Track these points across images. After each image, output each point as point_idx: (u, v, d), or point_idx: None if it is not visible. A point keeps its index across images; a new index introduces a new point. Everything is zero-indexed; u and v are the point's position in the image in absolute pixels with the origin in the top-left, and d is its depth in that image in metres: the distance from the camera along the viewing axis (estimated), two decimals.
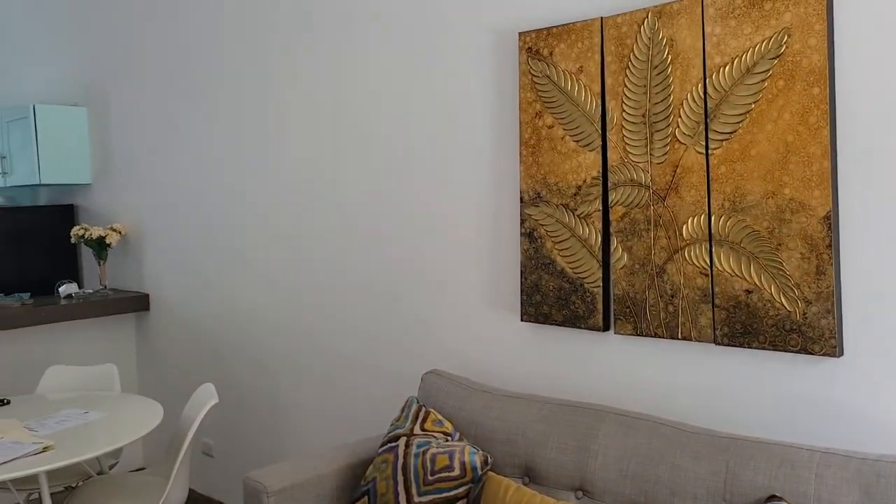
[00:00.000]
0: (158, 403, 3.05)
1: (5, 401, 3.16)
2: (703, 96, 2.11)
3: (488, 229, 2.73)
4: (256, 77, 3.56)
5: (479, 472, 2.18)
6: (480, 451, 2.23)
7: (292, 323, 3.51)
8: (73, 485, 3.10)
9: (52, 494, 3.09)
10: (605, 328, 2.38)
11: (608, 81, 2.30)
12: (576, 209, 2.39)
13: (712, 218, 2.10)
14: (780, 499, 1.77)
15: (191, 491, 4.15)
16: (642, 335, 2.26)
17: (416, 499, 2.18)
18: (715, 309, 2.11)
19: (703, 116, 2.11)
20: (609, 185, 2.32)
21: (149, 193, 4.33)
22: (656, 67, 2.19)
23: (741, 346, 2.06)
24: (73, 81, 4.84)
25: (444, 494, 2.16)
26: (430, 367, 2.95)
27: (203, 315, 4.03)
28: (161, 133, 4.19)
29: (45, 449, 2.54)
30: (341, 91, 3.19)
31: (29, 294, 4.15)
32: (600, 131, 2.33)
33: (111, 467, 3.27)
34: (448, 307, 2.87)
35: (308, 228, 3.38)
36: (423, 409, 2.45)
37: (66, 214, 4.90)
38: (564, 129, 2.41)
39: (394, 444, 2.36)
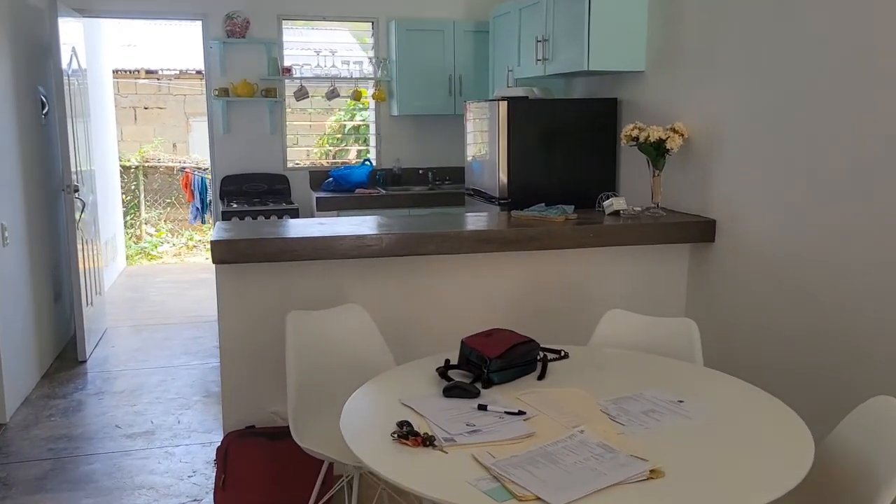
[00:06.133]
0: (800, 420, 1.89)
1: (562, 353, 2.36)
2: None
3: None
4: None
5: None
6: None
7: None
8: None
9: None
10: None
11: None
12: None
13: None
14: None
15: None
16: None
17: None
18: None
19: None
20: None
21: (728, 86, 3.15)
22: None
23: None
24: None
25: None
26: None
27: (802, 260, 2.78)
28: (765, 6, 2.93)
29: (652, 474, 1.60)
30: None
31: (573, 207, 3.37)
32: None
33: None
34: None
35: None
36: None
37: (608, 110, 4.03)
38: None
39: None
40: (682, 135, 3.35)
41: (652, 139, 3.33)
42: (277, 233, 3.04)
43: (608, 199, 3.46)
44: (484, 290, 3.24)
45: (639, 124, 3.44)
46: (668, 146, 3.31)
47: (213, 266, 2.96)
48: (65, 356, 4.85)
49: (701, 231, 3.29)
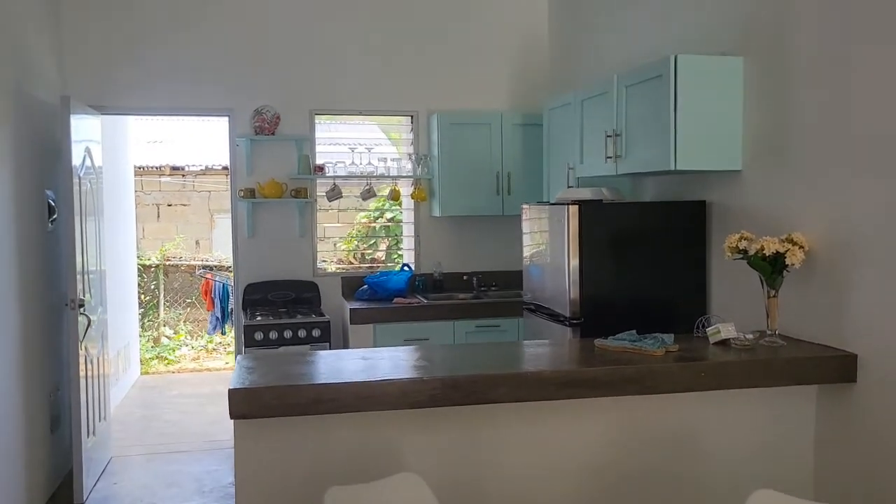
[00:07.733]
0: None
1: None
2: None
3: None
4: None
5: None
6: None
7: None
8: None
9: None
10: None
11: None
12: None
13: None
14: None
15: None
16: None
17: None
18: None
19: None
20: None
21: (866, 187, 2.57)
22: None
23: None
24: (721, 21, 3.35)
25: None
26: None
27: None
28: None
29: None
30: None
31: (672, 336, 2.74)
32: None
33: None
34: None
35: None
36: None
37: (696, 215, 3.45)
38: None
39: None
40: (803, 247, 2.75)
41: (767, 253, 2.73)
42: (310, 375, 2.45)
43: (712, 324, 2.84)
44: (567, 447, 2.58)
45: (746, 234, 2.85)
46: (787, 261, 2.71)
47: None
48: (60, 495, 4.20)
49: (837, 368, 2.63)
